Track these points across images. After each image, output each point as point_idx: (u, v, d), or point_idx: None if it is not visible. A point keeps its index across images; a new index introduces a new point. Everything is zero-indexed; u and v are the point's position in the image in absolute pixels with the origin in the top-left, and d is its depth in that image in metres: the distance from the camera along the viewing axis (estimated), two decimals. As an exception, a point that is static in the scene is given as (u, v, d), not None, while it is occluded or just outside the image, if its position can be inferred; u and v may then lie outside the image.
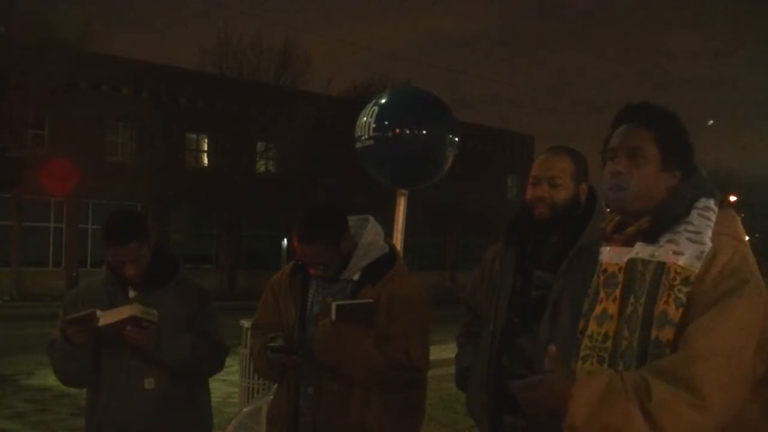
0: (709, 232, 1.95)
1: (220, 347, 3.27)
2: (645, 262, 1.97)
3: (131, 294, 3.11)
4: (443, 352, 6.32)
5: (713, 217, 1.99)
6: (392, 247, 3.12)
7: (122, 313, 2.95)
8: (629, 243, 2.04)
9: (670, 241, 1.96)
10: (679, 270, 1.90)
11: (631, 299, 1.97)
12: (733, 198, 46.05)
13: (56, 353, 3.10)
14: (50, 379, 10.01)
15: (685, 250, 1.92)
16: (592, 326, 2.05)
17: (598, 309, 2.05)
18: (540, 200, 2.83)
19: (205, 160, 32.17)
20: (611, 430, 1.77)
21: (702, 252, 1.91)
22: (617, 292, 2.01)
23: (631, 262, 2.01)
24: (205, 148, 32.13)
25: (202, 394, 3.31)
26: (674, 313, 1.87)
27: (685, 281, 1.89)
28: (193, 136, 31.53)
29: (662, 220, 2.00)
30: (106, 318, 2.94)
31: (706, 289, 1.87)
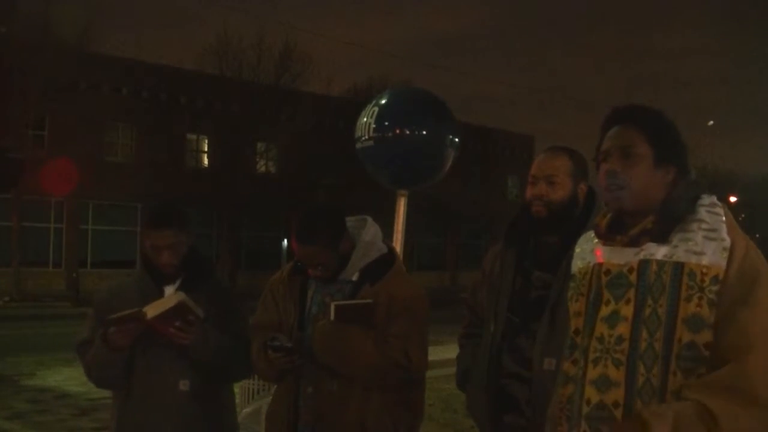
0: (725, 228, 1.96)
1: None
2: (660, 263, 1.96)
3: (167, 292, 3.04)
4: (444, 352, 6.31)
5: (722, 212, 2.00)
6: (391, 248, 3.12)
7: (169, 301, 2.88)
8: (632, 243, 2.02)
9: (684, 240, 1.96)
10: (705, 270, 1.91)
11: (649, 301, 1.95)
12: (733, 198, 45.86)
13: (91, 356, 3.04)
14: (50, 380, 10.03)
15: (705, 249, 1.93)
16: (601, 328, 2.02)
17: (605, 310, 2.02)
18: (537, 199, 2.84)
19: (205, 160, 32.20)
20: None
21: (724, 248, 1.93)
22: (631, 294, 1.99)
23: (643, 262, 1.99)
24: (205, 148, 32.17)
25: (229, 397, 3.30)
26: (708, 315, 1.88)
27: (714, 280, 1.90)
28: (193, 136, 31.56)
29: (669, 218, 1.99)
30: (153, 310, 2.85)
31: (731, 283, 1.90)
